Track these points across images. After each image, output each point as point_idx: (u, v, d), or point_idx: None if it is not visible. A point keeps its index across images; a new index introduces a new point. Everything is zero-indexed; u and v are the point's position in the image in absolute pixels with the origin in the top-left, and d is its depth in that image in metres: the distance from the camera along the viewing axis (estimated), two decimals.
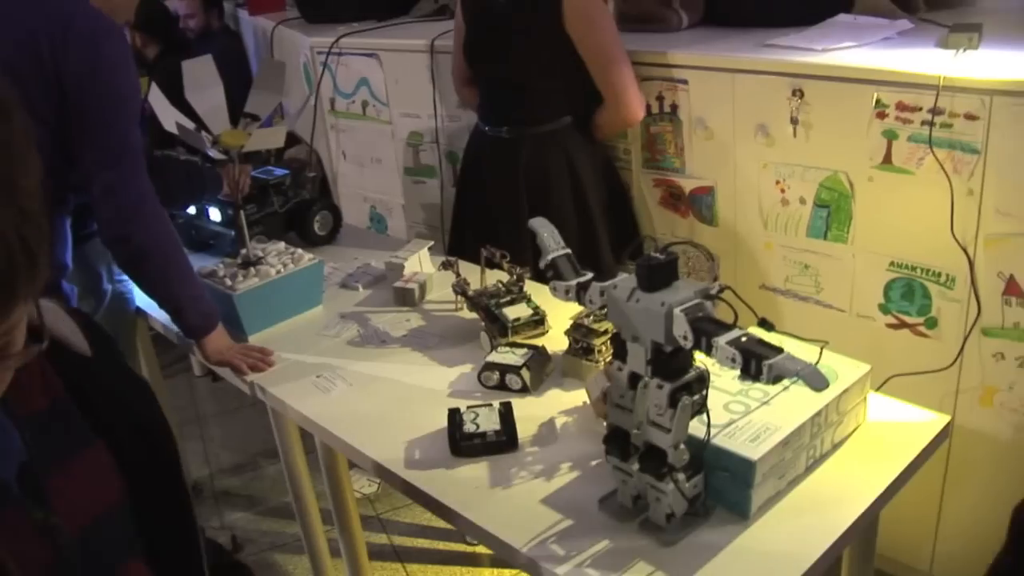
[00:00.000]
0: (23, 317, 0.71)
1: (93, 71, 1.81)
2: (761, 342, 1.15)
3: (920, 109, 1.99)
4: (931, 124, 1.97)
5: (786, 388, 1.47)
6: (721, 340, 1.15)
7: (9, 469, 0.79)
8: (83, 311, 0.98)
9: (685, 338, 1.20)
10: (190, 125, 2.04)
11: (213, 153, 2.08)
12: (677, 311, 1.20)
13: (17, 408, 0.82)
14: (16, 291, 0.66)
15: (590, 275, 1.40)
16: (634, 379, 1.30)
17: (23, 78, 1.77)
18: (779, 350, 1.13)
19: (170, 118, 2.03)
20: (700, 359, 1.28)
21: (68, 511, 0.82)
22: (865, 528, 1.41)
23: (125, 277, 2.43)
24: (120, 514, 0.89)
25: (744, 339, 1.15)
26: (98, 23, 1.83)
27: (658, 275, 1.25)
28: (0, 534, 0.75)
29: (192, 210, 2.63)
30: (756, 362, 1.12)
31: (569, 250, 1.45)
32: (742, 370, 1.14)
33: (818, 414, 1.43)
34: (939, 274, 2.08)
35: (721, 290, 1.26)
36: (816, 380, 1.10)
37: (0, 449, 0.79)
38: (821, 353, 1.53)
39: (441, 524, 2.80)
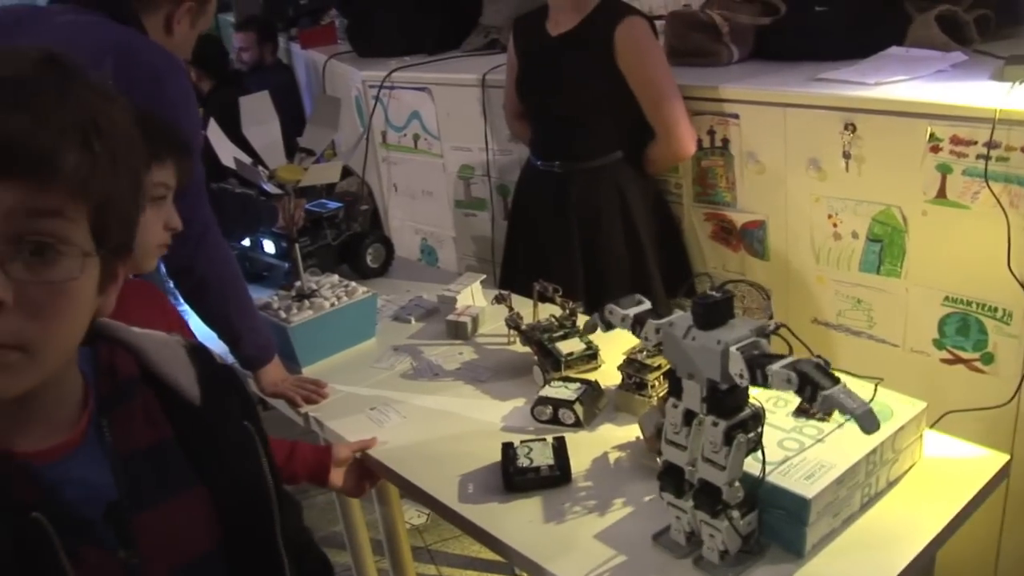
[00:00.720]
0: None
1: (158, 105, 1.85)
2: (819, 368, 1.14)
3: (975, 143, 1.98)
4: (987, 158, 1.96)
5: (840, 425, 1.46)
6: (777, 366, 1.15)
7: (96, 509, 0.81)
8: (204, 354, 1.00)
9: (741, 376, 1.20)
10: (247, 160, 2.08)
11: (269, 187, 2.12)
12: (733, 349, 1.20)
13: (119, 445, 0.84)
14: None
15: (647, 305, 1.40)
16: (689, 416, 1.30)
17: None
18: (836, 380, 1.13)
19: (228, 152, 2.07)
20: (755, 395, 1.28)
21: (155, 552, 0.84)
22: (921, 569, 1.39)
23: (182, 308, 2.47)
24: (209, 562, 0.91)
25: (801, 363, 1.15)
26: (161, 59, 1.86)
27: (714, 313, 1.25)
28: (81, 571, 0.77)
29: (247, 242, 2.67)
30: (812, 388, 1.12)
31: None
32: (797, 391, 1.13)
33: (873, 452, 1.42)
34: (995, 309, 2.06)
35: (777, 328, 1.26)
36: (868, 422, 1.10)
37: (89, 486, 0.81)
38: (876, 390, 1.54)
39: (490, 556, 2.79)
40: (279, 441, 1.79)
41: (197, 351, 0.98)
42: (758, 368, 1.17)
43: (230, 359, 2.09)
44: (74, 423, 0.83)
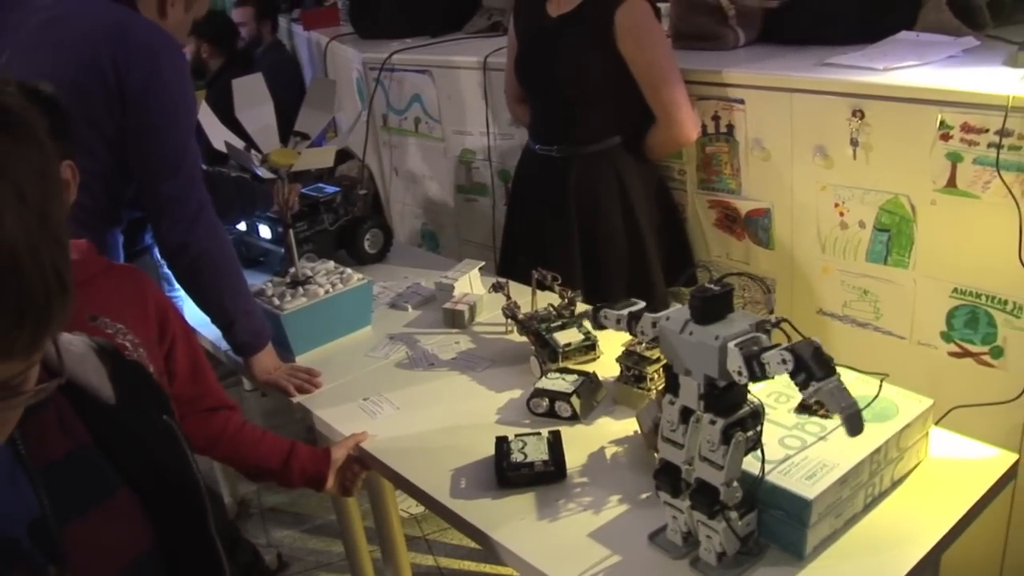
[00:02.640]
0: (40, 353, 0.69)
1: (154, 83, 1.84)
2: (817, 354, 1.10)
3: (987, 131, 1.92)
4: (998, 146, 1.90)
5: None
6: (774, 350, 1.11)
7: (19, 526, 0.77)
8: (114, 353, 0.95)
9: (740, 373, 1.15)
10: (239, 143, 2.04)
11: (262, 172, 2.08)
12: (731, 345, 1.16)
13: (34, 459, 0.80)
14: (51, 323, 0.65)
15: (641, 304, 1.37)
16: (686, 413, 1.26)
17: (88, 96, 1.81)
18: (832, 371, 1.09)
19: (219, 136, 2.03)
20: (754, 391, 1.24)
21: (88, 564, 0.80)
22: (926, 572, 1.35)
23: (176, 294, 2.44)
24: (147, 563, 0.87)
25: (800, 346, 1.11)
26: (156, 38, 1.85)
27: (712, 307, 1.21)
28: None
29: (242, 226, 2.63)
30: (806, 375, 1.08)
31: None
32: (791, 374, 1.10)
33: (877, 450, 1.37)
34: (1005, 302, 2.01)
35: (777, 323, 1.22)
36: (853, 425, 1.07)
37: (9, 504, 0.77)
38: (881, 386, 1.49)
39: None
40: (276, 439, 1.75)
41: (105, 350, 0.94)
42: (754, 360, 1.13)
43: (223, 346, 2.06)
44: None
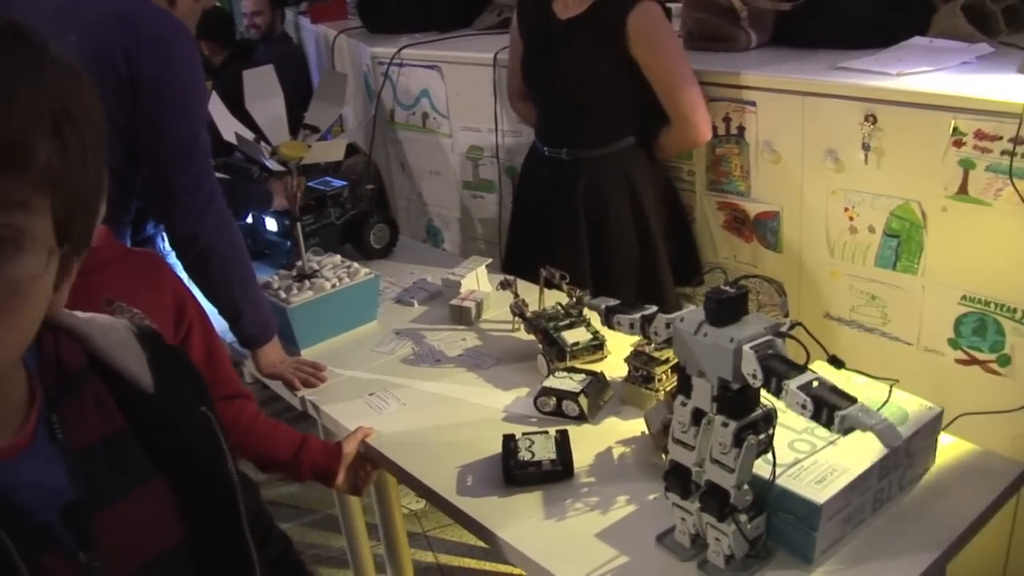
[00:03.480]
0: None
1: (166, 72, 1.82)
2: (834, 389, 1.09)
3: (1000, 138, 1.92)
4: (1012, 154, 1.90)
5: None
6: (792, 384, 1.10)
7: (52, 511, 0.76)
8: (153, 337, 0.94)
9: (754, 376, 1.15)
10: (249, 135, 2.03)
11: (271, 164, 2.07)
12: (747, 348, 1.15)
13: (70, 442, 0.79)
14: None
15: (654, 308, 1.36)
16: (698, 415, 1.25)
17: (99, 85, 1.78)
18: (852, 399, 1.08)
19: (229, 128, 2.03)
20: (765, 395, 1.23)
21: (118, 552, 0.79)
22: None
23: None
24: (175, 557, 0.86)
25: (816, 384, 1.10)
26: (168, 26, 1.84)
27: (728, 309, 1.20)
28: None
29: (249, 219, 2.62)
30: (828, 411, 1.07)
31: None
32: (812, 417, 1.09)
33: (887, 456, 1.37)
34: (1014, 310, 2.00)
35: (792, 327, 1.21)
36: (890, 437, 1.05)
37: (43, 488, 0.77)
38: (891, 392, 1.49)
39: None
40: (289, 431, 1.74)
41: (147, 335, 0.92)
42: (774, 377, 1.12)
43: (229, 337, 2.06)
44: (21, 422, 0.77)
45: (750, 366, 1.15)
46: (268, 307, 1.99)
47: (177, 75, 1.84)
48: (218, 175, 2.48)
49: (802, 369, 1.13)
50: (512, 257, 2.78)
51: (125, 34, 1.80)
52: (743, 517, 1.26)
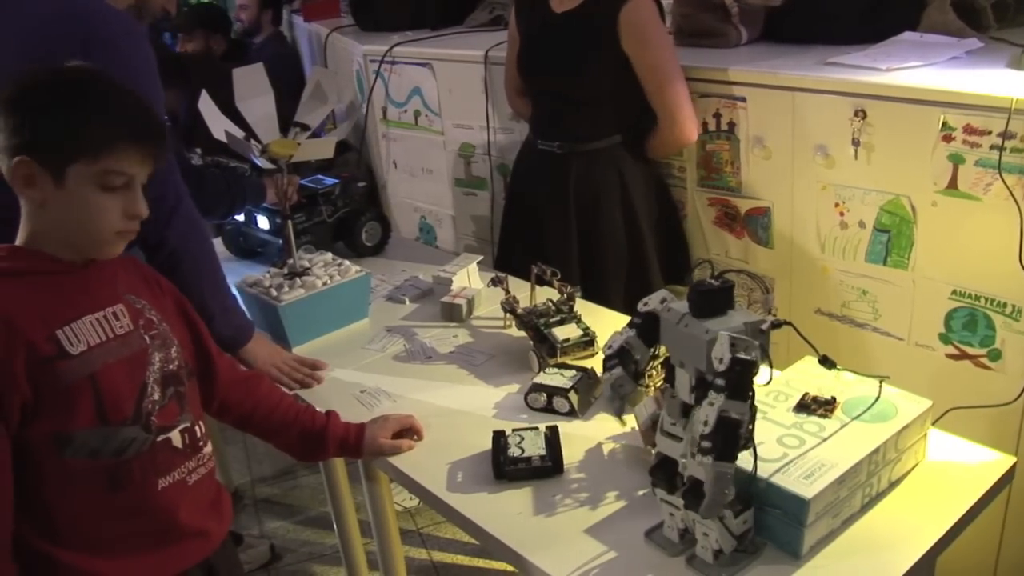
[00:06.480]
0: None
1: (118, 77, 1.72)
2: (735, 438, 1.16)
3: (989, 133, 1.92)
4: (1001, 149, 1.90)
5: (844, 424, 1.42)
6: (720, 399, 1.15)
7: None
8: None
9: (720, 361, 1.15)
10: (239, 133, 2.03)
11: (261, 162, 2.06)
12: (723, 332, 1.15)
13: None
14: None
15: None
16: (687, 407, 1.26)
17: None
18: (734, 457, 1.18)
19: (219, 126, 2.02)
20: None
21: None
22: (922, 574, 1.35)
23: None
24: None
25: (735, 417, 1.15)
26: (119, 27, 1.74)
27: (711, 302, 1.20)
28: None
29: (240, 217, 2.62)
30: (710, 445, 1.17)
31: None
32: (701, 436, 1.17)
33: (876, 451, 1.37)
34: (1004, 304, 2.01)
35: (776, 324, 1.21)
36: (708, 508, 1.19)
37: None
38: (881, 387, 1.49)
39: None
40: (310, 411, 1.72)
41: None
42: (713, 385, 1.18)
43: None
44: None
45: (721, 351, 1.15)
46: (242, 309, 1.98)
47: (131, 81, 1.62)
48: (233, 163, 2.47)
49: (744, 398, 1.16)
50: (504, 254, 2.78)
51: (71, 34, 1.68)
52: (728, 512, 1.26)
